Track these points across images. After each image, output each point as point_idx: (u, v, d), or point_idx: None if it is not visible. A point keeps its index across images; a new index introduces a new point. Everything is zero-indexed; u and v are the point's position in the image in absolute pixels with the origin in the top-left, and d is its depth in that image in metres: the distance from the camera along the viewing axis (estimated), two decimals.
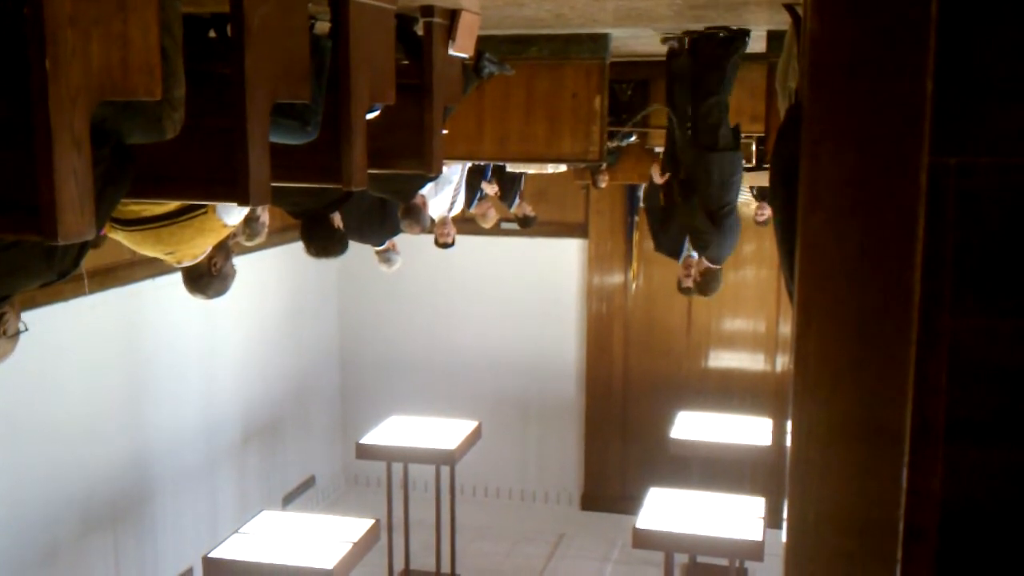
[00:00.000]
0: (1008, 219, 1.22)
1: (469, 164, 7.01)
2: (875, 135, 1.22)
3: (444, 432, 8.02)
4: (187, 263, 3.89)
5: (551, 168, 7.86)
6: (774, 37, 5.49)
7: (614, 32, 5.70)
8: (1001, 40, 1.19)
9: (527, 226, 8.98)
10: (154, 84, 2.59)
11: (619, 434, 10.48)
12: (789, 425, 1.35)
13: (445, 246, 7.49)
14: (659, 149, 8.92)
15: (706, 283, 6.41)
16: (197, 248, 3.82)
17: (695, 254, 6.34)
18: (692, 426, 8.33)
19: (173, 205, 3.66)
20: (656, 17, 5.08)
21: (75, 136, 2.31)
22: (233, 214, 3.79)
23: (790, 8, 4.19)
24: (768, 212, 8.06)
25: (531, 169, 7.98)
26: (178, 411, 7.84)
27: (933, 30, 1.18)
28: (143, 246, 3.78)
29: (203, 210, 3.68)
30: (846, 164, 1.23)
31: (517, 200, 8.74)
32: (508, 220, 9.13)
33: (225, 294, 4.07)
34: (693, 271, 6.38)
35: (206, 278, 3.94)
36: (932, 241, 1.23)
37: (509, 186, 8.44)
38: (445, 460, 7.77)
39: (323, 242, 5.44)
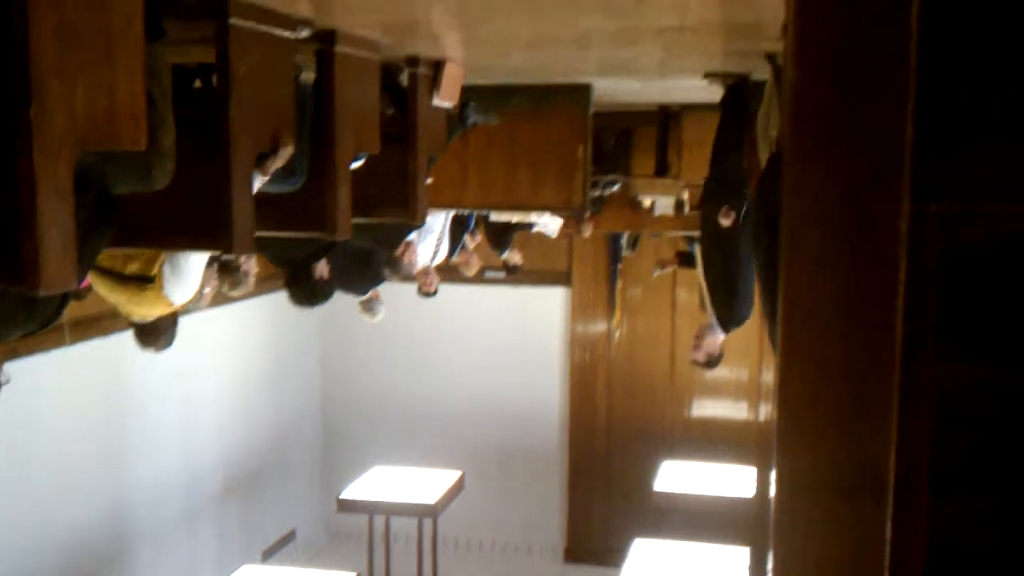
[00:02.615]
0: (990, 266, 1.23)
1: (452, 212, 7.03)
2: (855, 183, 1.23)
3: (426, 483, 7.96)
4: (136, 320, 3.96)
5: (553, 227, 7.90)
6: (755, 87, 5.55)
7: (597, 82, 5.75)
8: (980, 86, 1.21)
9: (512, 273, 8.99)
10: (139, 134, 2.59)
11: (603, 484, 10.43)
12: (773, 475, 1.35)
13: (428, 295, 7.48)
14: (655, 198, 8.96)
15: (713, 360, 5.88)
16: (146, 312, 3.91)
17: (714, 322, 5.67)
18: (676, 476, 8.29)
19: (132, 267, 3.76)
20: (638, 67, 5.14)
21: (59, 185, 2.31)
22: (178, 294, 3.86)
23: (771, 58, 4.25)
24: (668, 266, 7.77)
25: (515, 218, 8.01)
26: (158, 462, 7.76)
27: (913, 75, 1.19)
28: (103, 290, 3.89)
29: (152, 284, 3.76)
30: (826, 212, 1.24)
31: (509, 249, 8.76)
32: (491, 268, 9.14)
33: (168, 348, 4.12)
34: (697, 342, 5.81)
35: (151, 335, 4.00)
36: (914, 288, 1.23)
37: (501, 236, 8.47)
38: (427, 513, 7.71)
39: (307, 291, 5.44)
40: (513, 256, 8.82)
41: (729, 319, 5.53)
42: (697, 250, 5.57)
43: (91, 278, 3.78)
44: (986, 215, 1.23)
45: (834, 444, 1.27)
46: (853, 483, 1.27)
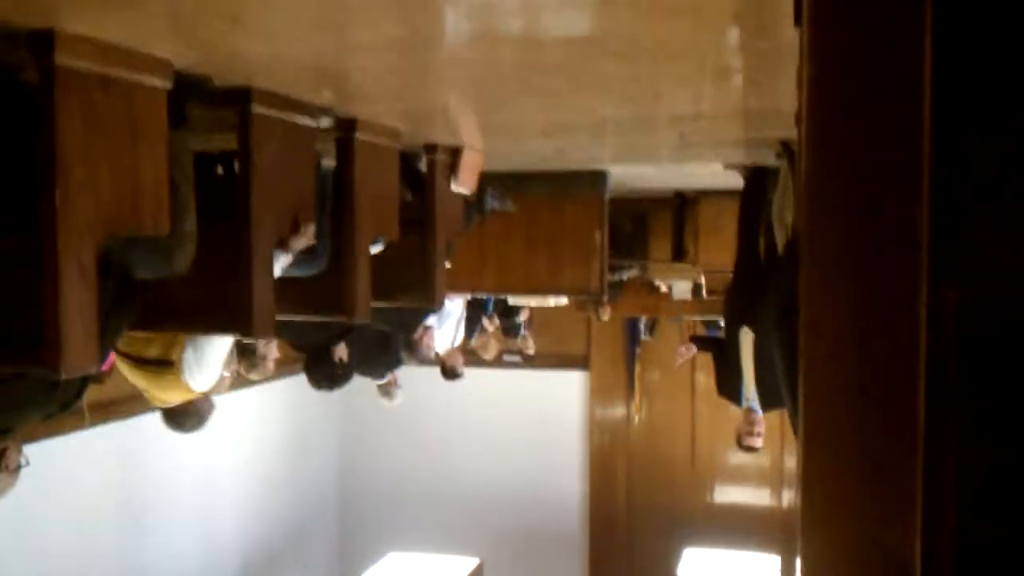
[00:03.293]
0: (1010, 349, 1.23)
1: (470, 297, 7.04)
2: (872, 267, 1.23)
3: (443, 571, 7.85)
4: (157, 405, 3.97)
5: (552, 301, 7.91)
6: (769, 173, 5.59)
7: (613, 168, 5.81)
8: (995, 170, 1.22)
9: (527, 360, 8.96)
10: (162, 218, 2.63)
11: (625, 571, 10.26)
12: (798, 562, 1.33)
13: (455, 375, 7.36)
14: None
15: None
16: (167, 397, 3.92)
17: (756, 406, 5.52)
18: (699, 564, 8.17)
19: (153, 351, 3.76)
20: (654, 155, 5.19)
21: (83, 269, 2.34)
22: (198, 380, 3.85)
23: (785, 144, 4.28)
24: (688, 353, 7.65)
25: (532, 302, 8.02)
26: (175, 546, 7.70)
27: (927, 161, 1.20)
28: (127, 372, 3.91)
29: (172, 368, 3.75)
30: (845, 297, 1.24)
31: (522, 333, 8.74)
32: (510, 352, 9.13)
33: (201, 429, 4.11)
34: (757, 428, 5.62)
35: (180, 417, 4.00)
36: (935, 371, 1.23)
37: (505, 317, 8.46)
38: None
39: (327, 374, 5.44)
40: (526, 345, 8.78)
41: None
42: (744, 334, 5.37)
43: (116, 360, 3.79)
44: (1004, 299, 1.23)
45: (858, 531, 1.26)
46: (879, 567, 1.25)
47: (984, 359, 1.23)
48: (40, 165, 2.29)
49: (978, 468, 1.24)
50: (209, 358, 3.82)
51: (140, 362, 3.81)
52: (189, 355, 3.75)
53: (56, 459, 6.11)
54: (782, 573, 7.98)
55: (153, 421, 7.04)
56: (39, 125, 2.29)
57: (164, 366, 3.78)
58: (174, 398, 3.91)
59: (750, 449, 5.90)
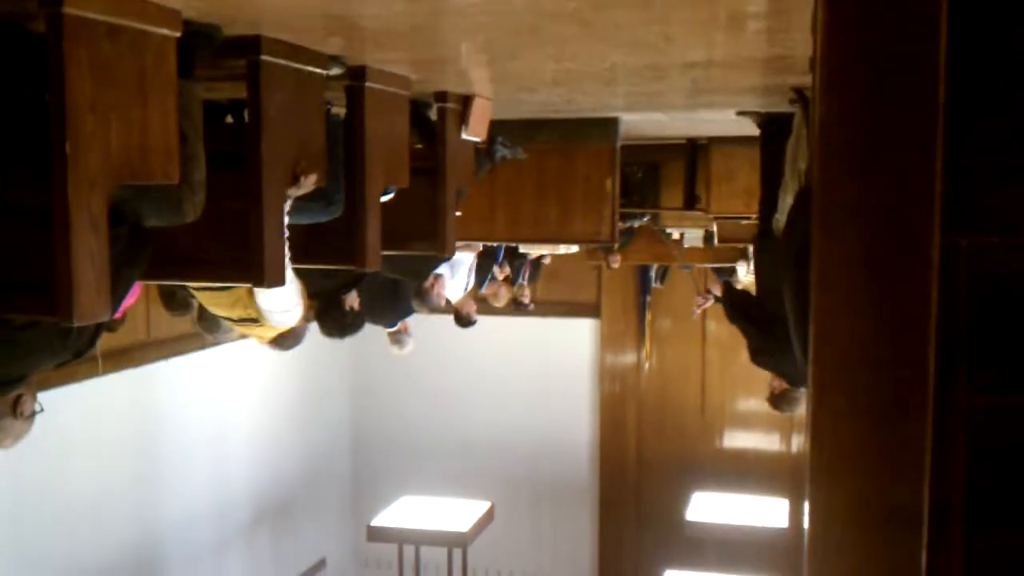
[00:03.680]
0: (1020, 297, 1.22)
1: (481, 246, 7.03)
2: (886, 215, 1.22)
3: (456, 513, 7.93)
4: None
5: (563, 249, 7.90)
6: (787, 119, 5.54)
7: (624, 116, 5.77)
8: (1009, 120, 1.21)
9: (523, 309, 8.83)
10: (172, 168, 2.63)
11: (634, 515, 10.36)
12: (806, 506, 1.34)
13: (469, 323, 7.34)
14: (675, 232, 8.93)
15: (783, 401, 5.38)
16: (272, 335, 4.34)
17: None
18: (708, 507, 8.23)
19: (236, 313, 4.17)
20: (666, 102, 5.15)
21: (93, 218, 2.34)
22: (288, 319, 4.20)
23: (799, 92, 4.25)
24: (705, 302, 7.51)
25: (543, 250, 8.01)
26: (189, 492, 7.79)
27: (941, 111, 1.20)
28: (237, 329, 4.41)
29: (261, 321, 4.16)
30: (857, 244, 1.24)
31: (521, 281, 8.68)
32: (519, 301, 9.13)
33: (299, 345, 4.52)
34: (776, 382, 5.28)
35: (281, 342, 4.40)
36: (945, 320, 1.23)
37: (510, 265, 8.41)
38: (457, 543, 7.68)
39: (338, 322, 5.46)
40: (522, 293, 8.70)
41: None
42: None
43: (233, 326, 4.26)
44: (1016, 247, 1.22)
45: (867, 475, 1.27)
46: (887, 514, 1.26)
47: (995, 305, 1.23)
48: (50, 115, 2.29)
49: (987, 414, 1.25)
50: (286, 302, 4.07)
51: (235, 321, 4.25)
52: (265, 307, 4.04)
53: (71, 406, 6.16)
54: (790, 517, 8.04)
55: (166, 369, 7.13)
56: (48, 76, 2.29)
57: (254, 322, 4.16)
58: (271, 334, 4.32)
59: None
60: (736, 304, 5.57)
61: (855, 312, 1.24)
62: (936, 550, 1.25)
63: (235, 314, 4.18)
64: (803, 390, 5.06)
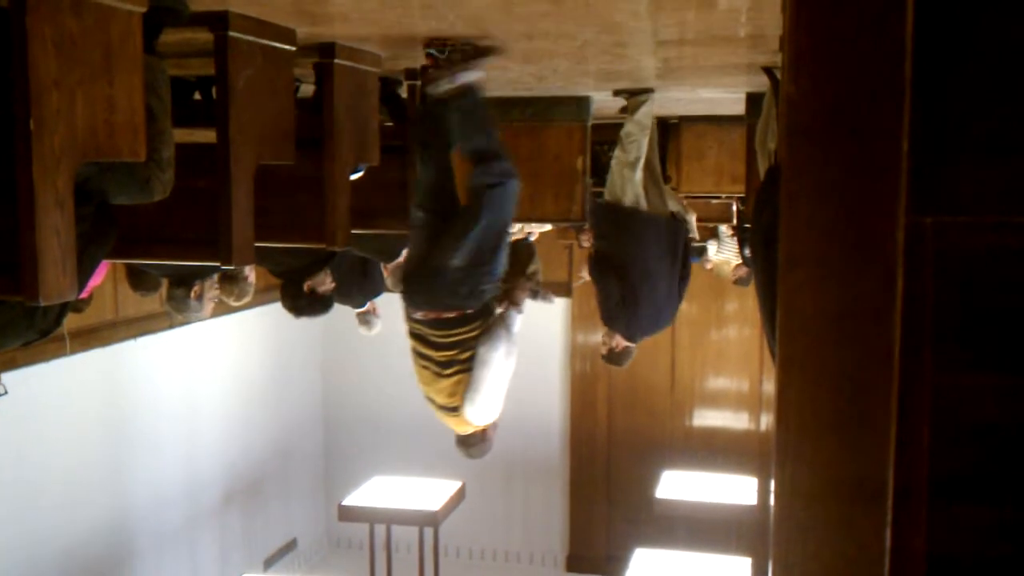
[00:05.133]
0: (985, 276, 1.23)
1: None
2: (852, 194, 1.23)
3: (427, 492, 7.95)
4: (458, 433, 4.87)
5: (535, 228, 7.90)
6: (753, 99, 5.56)
7: (596, 95, 5.76)
8: (975, 99, 1.22)
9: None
10: (139, 145, 2.60)
11: (604, 494, 10.41)
12: (772, 484, 1.35)
13: None
14: None
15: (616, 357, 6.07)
16: (459, 428, 4.85)
17: None
18: (677, 485, 8.28)
19: (441, 400, 4.70)
20: (637, 79, 5.14)
21: (58, 196, 2.32)
22: (479, 418, 4.75)
23: (768, 71, 4.25)
24: (743, 271, 7.73)
25: (532, 227, 8.00)
26: (159, 471, 7.76)
27: (908, 89, 1.20)
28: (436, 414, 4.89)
29: (458, 412, 4.66)
30: (824, 223, 1.24)
31: None
32: None
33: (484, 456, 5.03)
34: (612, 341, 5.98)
35: (469, 444, 4.90)
36: (911, 298, 1.24)
37: None
38: (429, 522, 7.70)
39: (305, 302, 5.44)
40: None
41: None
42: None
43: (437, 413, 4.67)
44: (981, 226, 1.23)
45: (833, 452, 1.28)
46: (852, 491, 1.27)
47: (960, 284, 1.24)
48: (14, 92, 2.26)
49: (952, 392, 1.26)
50: (486, 402, 4.57)
51: (437, 405, 4.71)
52: (468, 402, 4.54)
53: (39, 386, 6.12)
54: (758, 494, 8.10)
55: (135, 348, 7.09)
56: (11, 52, 2.25)
57: (453, 411, 4.60)
58: (463, 429, 4.74)
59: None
60: (601, 264, 6.01)
61: (821, 290, 1.25)
62: (901, 527, 1.26)
63: (441, 401, 4.63)
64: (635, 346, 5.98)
